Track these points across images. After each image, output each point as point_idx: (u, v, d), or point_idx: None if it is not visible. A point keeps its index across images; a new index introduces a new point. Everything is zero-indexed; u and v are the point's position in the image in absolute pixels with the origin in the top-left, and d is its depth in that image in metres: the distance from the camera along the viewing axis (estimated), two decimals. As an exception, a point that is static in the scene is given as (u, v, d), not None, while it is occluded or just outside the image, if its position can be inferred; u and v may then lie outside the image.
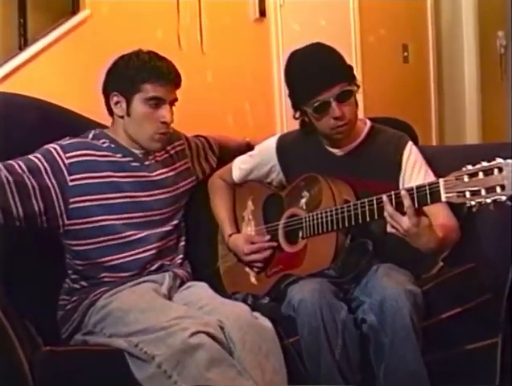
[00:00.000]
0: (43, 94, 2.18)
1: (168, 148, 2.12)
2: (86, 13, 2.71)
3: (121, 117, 1.97)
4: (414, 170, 1.93)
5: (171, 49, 2.97)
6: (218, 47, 3.19)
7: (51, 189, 1.86)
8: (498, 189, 1.46)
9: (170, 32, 3.01)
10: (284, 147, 2.10)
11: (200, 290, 1.97)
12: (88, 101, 2.34)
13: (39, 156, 1.88)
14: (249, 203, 2.17)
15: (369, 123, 2.03)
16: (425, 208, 1.78)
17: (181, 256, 2.11)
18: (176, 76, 1.97)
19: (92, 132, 2.03)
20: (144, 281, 1.95)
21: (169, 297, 1.95)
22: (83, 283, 1.97)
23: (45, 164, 1.87)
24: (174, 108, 1.99)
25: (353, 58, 3.70)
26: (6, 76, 2.46)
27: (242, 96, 3.36)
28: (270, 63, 3.47)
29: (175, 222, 2.10)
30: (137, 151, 2.02)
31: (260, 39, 3.48)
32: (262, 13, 3.44)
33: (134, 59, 1.95)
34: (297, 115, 1.99)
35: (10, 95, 2.13)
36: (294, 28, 3.57)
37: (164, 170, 2.09)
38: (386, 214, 1.70)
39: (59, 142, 1.93)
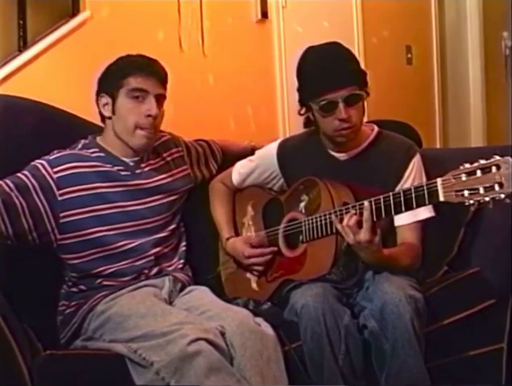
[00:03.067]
0: (43, 96, 2.17)
1: (164, 155, 2.11)
2: (86, 14, 2.71)
3: (110, 118, 1.97)
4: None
5: (172, 51, 2.98)
6: (220, 49, 3.18)
7: (40, 206, 1.86)
8: (497, 187, 1.46)
9: (171, 34, 3.01)
10: (285, 153, 2.08)
11: (201, 295, 1.96)
12: (87, 103, 2.31)
13: (26, 173, 1.88)
14: (249, 208, 2.15)
15: (376, 129, 2.01)
16: (398, 226, 1.85)
17: (182, 261, 2.09)
18: (160, 70, 1.98)
19: (82, 141, 2.02)
20: (144, 286, 1.93)
21: (170, 302, 1.93)
22: (81, 287, 1.96)
23: (33, 181, 1.86)
24: (166, 107, 1.99)
25: (355, 60, 3.69)
26: (6, 78, 2.46)
27: (244, 99, 3.35)
28: (272, 66, 3.46)
29: (171, 227, 2.08)
30: (127, 160, 2.01)
31: (262, 40, 3.47)
32: (264, 14, 3.44)
33: (119, 62, 1.97)
34: (302, 111, 1.96)
35: (9, 97, 2.12)
36: (296, 30, 3.56)
37: (158, 177, 2.06)
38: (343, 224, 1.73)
39: (46, 157, 1.93)
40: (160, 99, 1.97)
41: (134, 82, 1.93)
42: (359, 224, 1.71)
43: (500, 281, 1.95)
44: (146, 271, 1.98)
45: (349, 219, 1.72)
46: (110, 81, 1.95)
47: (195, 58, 3.09)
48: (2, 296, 1.75)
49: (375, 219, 1.71)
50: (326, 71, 1.85)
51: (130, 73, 1.93)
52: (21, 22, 2.58)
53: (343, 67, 1.86)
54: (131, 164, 2.01)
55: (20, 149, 1.98)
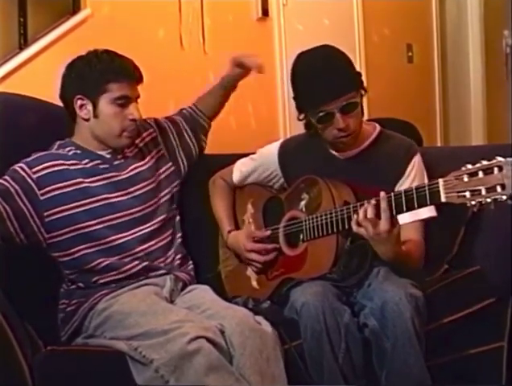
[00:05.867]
0: (43, 94, 2.17)
1: (137, 141, 2.10)
2: (87, 12, 2.70)
3: (87, 120, 1.96)
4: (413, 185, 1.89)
5: (172, 49, 2.97)
6: (220, 46, 3.17)
7: (24, 208, 1.88)
8: (499, 188, 1.44)
9: (172, 32, 3.00)
10: (286, 153, 2.08)
11: (202, 294, 1.95)
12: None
13: (7, 178, 1.89)
14: (249, 206, 2.15)
15: (378, 128, 2.00)
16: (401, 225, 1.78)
17: (180, 255, 2.08)
18: (137, 72, 1.98)
19: (57, 143, 2.02)
20: (145, 285, 1.93)
21: (171, 301, 1.93)
22: (80, 284, 1.95)
23: (13, 184, 1.88)
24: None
25: (356, 58, 3.68)
26: (6, 76, 2.45)
27: (245, 97, 3.32)
28: (273, 64, 3.45)
29: (161, 217, 2.06)
30: (104, 153, 2.01)
31: (263, 38, 3.46)
32: (265, 12, 3.43)
33: (95, 61, 1.94)
34: (301, 117, 1.95)
35: (9, 95, 2.12)
36: (297, 28, 3.55)
37: (135, 164, 2.06)
38: (360, 218, 1.70)
39: (24, 160, 1.94)
40: (137, 98, 1.99)
41: (117, 90, 1.92)
42: (377, 216, 1.68)
43: (500, 279, 1.94)
44: (137, 266, 1.96)
45: (367, 212, 1.69)
46: (89, 84, 1.92)
47: (195, 55, 3.08)
48: (2, 294, 1.76)
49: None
50: (320, 83, 1.82)
51: (113, 80, 1.92)
52: (21, 19, 2.56)
53: (336, 76, 1.82)
54: (108, 156, 2.01)
55: (21, 146, 1.99)
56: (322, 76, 1.82)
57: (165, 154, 2.17)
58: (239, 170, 2.17)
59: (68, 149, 1.99)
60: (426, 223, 1.90)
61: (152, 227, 2.03)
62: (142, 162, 2.08)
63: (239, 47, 3.24)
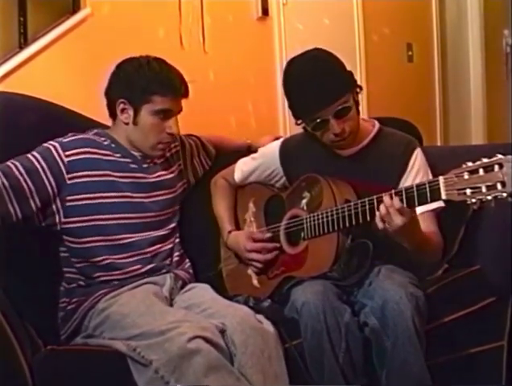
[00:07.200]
0: (43, 93, 2.17)
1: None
2: (87, 11, 2.70)
3: (126, 124, 1.98)
4: (416, 179, 1.88)
5: (172, 48, 2.97)
6: (220, 46, 3.18)
7: (48, 187, 1.88)
8: (499, 186, 1.44)
9: (172, 31, 3.00)
10: (288, 151, 2.08)
11: (202, 292, 1.96)
12: (88, 101, 2.33)
13: (36, 155, 1.89)
14: (251, 204, 2.16)
15: (377, 125, 2.00)
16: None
17: (177, 253, 2.09)
18: (185, 89, 1.99)
19: (95, 130, 2.04)
20: (145, 283, 1.93)
21: (171, 299, 1.94)
22: (80, 282, 1.95)
23: (42, 163, 1.88)
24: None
25: (356, 57, 3.68)
26: (6, 75, 2.45)
27: (245, 96, 3.34)
28: (273, 63, 3.45)
29: (172, 225, 2.09)
30: (136, 153, 2.03)
31: (263, 38, 3.47)
32: (265, 11, 3.43)
33: (145, 69, 1.95)
34: (299, 122, 1.96)
35: (9, 94, 2.12)
36: (297, 27, 3.55)
37: (162, 172, 2.09)
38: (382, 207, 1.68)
39: (59, 139, 1.94)
40: (179, 112, 2.01)
41: (160, 102, 1.94)
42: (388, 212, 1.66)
43: (500, 278, 1.94)
44: (142, 268, 1.97)
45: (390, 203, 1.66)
46: (134, 91, 1.94)
47: (195, 55, 3.08)
48: (2, 293, 1.75)
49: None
50: (311, 91, 1.83)
51: (158, 92, 1.93)
52: (21, 18, 2.57)
53: (327, 82, 1.82)
54: (139, 158, 2.04)
55: (20, 146, 1.97)
56: (313, 84, 1.83)
57: (183, 170, 2.21)
58: (240, 170, 2.17)
59: (104, 139, 2.01)
60: (438, 215, 1.89)
61: (162, 233, 2.05)
62: (167, 172, 2.11)
63: (239, 47, 3.26)
